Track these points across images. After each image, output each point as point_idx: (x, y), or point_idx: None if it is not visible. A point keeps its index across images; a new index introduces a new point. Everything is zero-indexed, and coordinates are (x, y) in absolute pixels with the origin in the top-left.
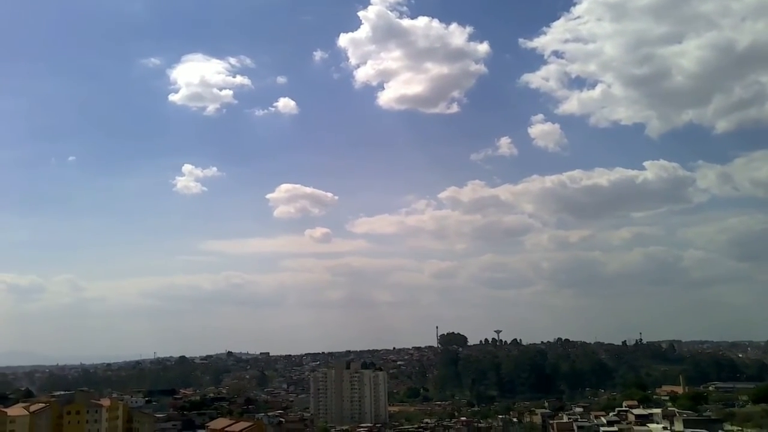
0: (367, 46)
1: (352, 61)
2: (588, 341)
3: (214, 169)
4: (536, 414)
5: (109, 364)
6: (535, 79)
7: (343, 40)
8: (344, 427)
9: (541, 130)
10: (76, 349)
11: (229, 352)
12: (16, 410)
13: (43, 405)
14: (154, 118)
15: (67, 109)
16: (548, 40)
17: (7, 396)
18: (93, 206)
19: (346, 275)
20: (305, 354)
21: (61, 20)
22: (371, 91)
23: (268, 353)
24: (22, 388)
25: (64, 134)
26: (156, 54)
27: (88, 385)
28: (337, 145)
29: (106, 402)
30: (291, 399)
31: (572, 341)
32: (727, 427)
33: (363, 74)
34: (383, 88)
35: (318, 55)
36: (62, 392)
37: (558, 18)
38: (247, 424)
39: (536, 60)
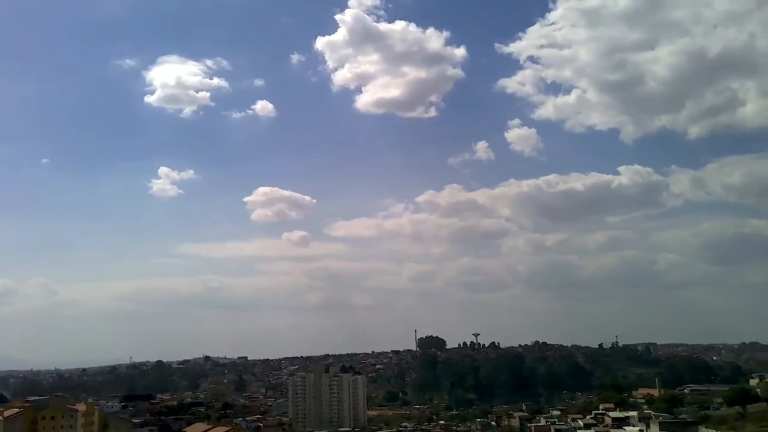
0: (345, 50)
1: (330, 64)
2: (565, 344)
3: (191, 171)
4: (514, 417)
5: (84, 369)
6: (511, 84)
7: (321, 43)
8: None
9: (517, 134)
10: (51, 353)
11: (206, 356)
12: None
13: (17, 410)
14: (129, 119)
15: (41, 110)
16: (524, 45)
17: None
18: (67, 209)
19: (324, 279)
20: (283, 358)
21: (35, 20)
22: (349, 94)
23: (246, 357)
24: None
25: (38, 136)
26: (131, 55)
27: (64, 391)
28: (315, 148)
29: (81, 407)
30: (269, 403)
31: (549, 344)
32: (702, 429)
33: (341, 78)
34: (361, 92)
35: (295, 58)
36: (37, 397)
37: (533, 23)
38: (224, 428)
39: (512, 65)
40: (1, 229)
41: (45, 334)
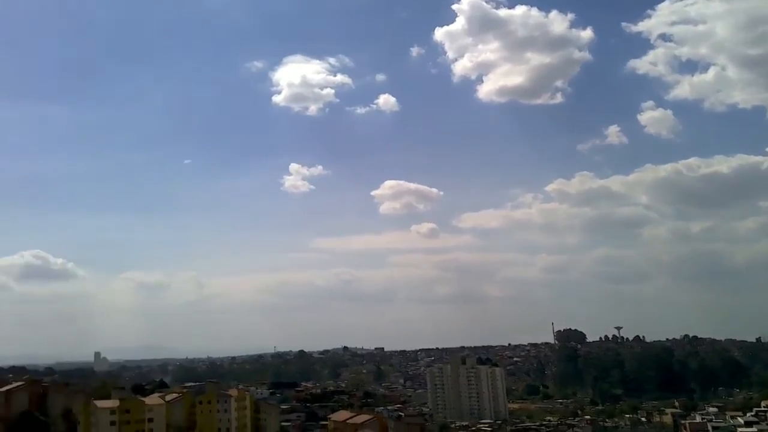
0: (464, 39)
1: (449, 55)
2: (718, 338)
3: (320, 167)
4: (666, 414)
5: (233, 358)
6: (642, 64)
7: (439, 34)
8: (464, 423)
9: (651, 117)
10: (202, 342)
11: (345, 347)
12: (152, 400)
13: (177, 395)
14: (259, 119)
15: (181, 115)
16: (654, 23)
17: (143, 387)
18: (207, 207)
19: (454, 270)
20: (419, 349)
21: (166, 28)
22: (470, 84)
23: (383, 348)
24: (156, 380)
25: (179, 139)
26: (258, 57)
27: (215, 377)
28: (438, 140)
29: (234, 393)
30: (408, 394)
31: (700, 338)
32: None
33: (461, 68)
34: (482, 81)
35: (415, 50)
36: (193, 383)
37: (663, 0)
38: (368, 416)
39: (642, 44)
40: (153, 227)
41: (196, 325)
